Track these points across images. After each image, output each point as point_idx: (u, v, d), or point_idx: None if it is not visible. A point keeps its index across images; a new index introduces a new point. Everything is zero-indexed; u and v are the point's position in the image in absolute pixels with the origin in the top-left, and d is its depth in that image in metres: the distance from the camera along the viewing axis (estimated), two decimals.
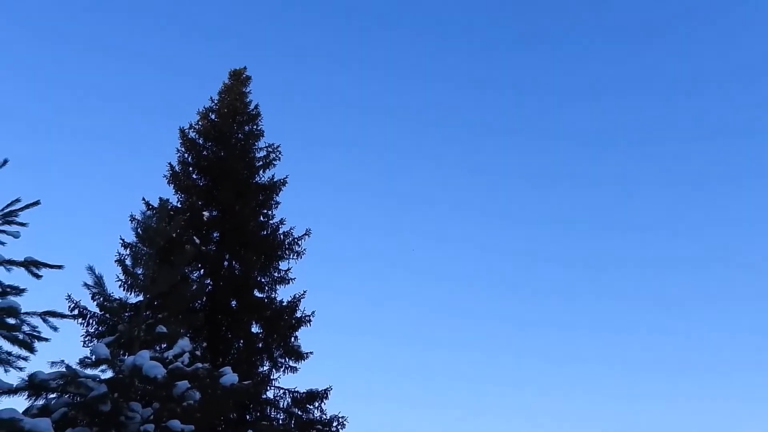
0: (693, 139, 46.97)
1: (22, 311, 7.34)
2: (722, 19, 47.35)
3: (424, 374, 37.95)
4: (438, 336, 39.73)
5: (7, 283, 7.63)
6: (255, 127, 18.32)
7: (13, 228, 7.85)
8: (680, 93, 47.74)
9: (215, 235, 16.74)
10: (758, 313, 39.63)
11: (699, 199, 44.91)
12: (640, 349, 39.29)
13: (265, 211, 17.38)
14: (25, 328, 7.59)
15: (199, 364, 10.09)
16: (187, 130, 17.54)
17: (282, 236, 17.00)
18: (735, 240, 43.22)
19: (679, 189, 44.50)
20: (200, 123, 17.82)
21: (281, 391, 15.69)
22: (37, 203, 7.80)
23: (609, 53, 49.95)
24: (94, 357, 9.11)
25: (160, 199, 15.79)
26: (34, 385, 8.39)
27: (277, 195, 17.49)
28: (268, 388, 15.60)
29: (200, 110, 18.00)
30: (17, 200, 7.66)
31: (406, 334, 39.49)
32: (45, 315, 7.52)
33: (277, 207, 17.49)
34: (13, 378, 8.08)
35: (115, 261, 14.46)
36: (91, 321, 14.48)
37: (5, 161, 7.73)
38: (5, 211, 7.64)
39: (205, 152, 17.46)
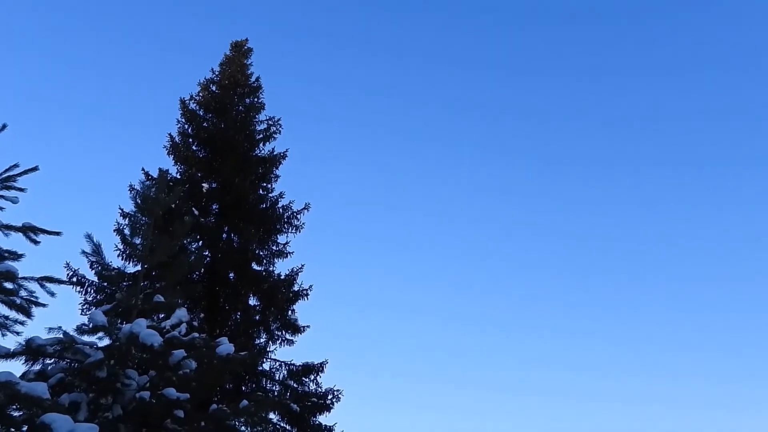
0: (694, 120, 46.68)
1: (20, 276, 7.36)
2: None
3: (422, 349, 38.17)
4: (436, 311, 39.92)
5: (5, 248, 7.64)
6: (256, 99, 18.25)
7: (12, 193, 7.85)
8: (693, 71, 47.14)
9: (214, 207, 16.74)
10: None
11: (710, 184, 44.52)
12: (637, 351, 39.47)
13: (265, 184, 17.37)
14: (23, 293, 7.62)
15: (196, 334, 10.15)
16: (187, 101, 17.46)
17: (281, 210, 17.01)
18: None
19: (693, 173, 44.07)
20: (201, 94, 17.73)
21: (277, 364, 15.81)
22: (35, 169, 7.79)
23: (610, 32, 49.39)
24: (91, 324, 9.14)
25: (160, 169, 15.84)
26: (32, 350, 8.44)
27: (277, 168, 17.48)
28: (265, 360, 15.72)
29: (201, 81, 17.93)
30: (15, 165, 7.64)
31: (404, 310, 39.66)
32: (42, 281, 7.54)
33: (276, 180, 17.50)
34: (10, 342, 8.14)
35: (114, 230, 14.53)
36: (89, 289, 14.56)
37: (4, 126, 7.69)
38: (4, 176, 7.63)
39: (205, 124, 17.40)
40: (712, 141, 46.35)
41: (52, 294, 7.67)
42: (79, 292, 14.63)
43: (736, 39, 47.31)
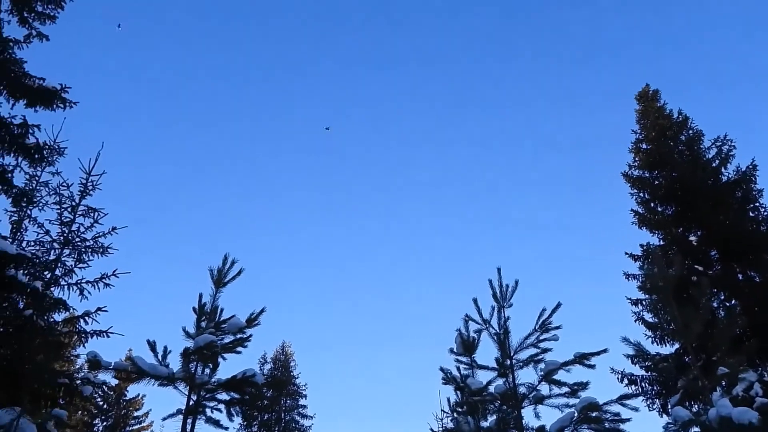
0: None
1: (602, 403, 7.83)
2: None
3: None
4: None
5: (572, 383, 8.28)
6: (689, 131, 17.21)
7: (551, 334, 8.65)
8: None
9: (713, 253, 15.62)
10: None
11: None
12: None
13: (752, 204, 15.68)
14: (607, 415, 8.02)
15: None
16: (629, 172, 17.42)
17: None
18: None
19: None
20: (637, 158, 17.54)
21: None
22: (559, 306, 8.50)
23: None
24: (676, 421, 9.04)
25: (642, 246, 15.74)
26: None
27: (755, 183, 15.71)
28: None
29: (630, 147, 17.82)
30: (547, 309, 8.49)
31: None
32: (621, 400, 7.87)
33: (761, 195, 15.66)
34: None
35: (635, 320, 14.65)
36: (642, 384, 14.63)
37: None
38: (540, 321, 8.53)
39: (656, 182, 16.95)
40: None
41: (635, 409, 7.90)
42: (625, 385, 14.77)
43: None
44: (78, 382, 10.04)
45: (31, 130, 10.09)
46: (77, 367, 16.82)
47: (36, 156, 10.23)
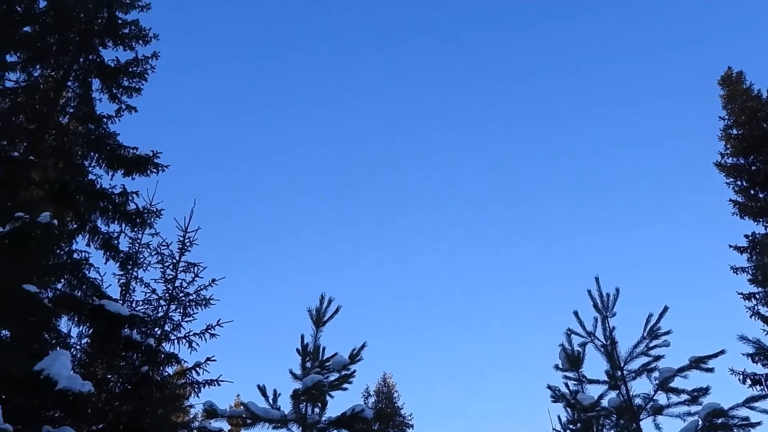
0: None
1: (727, 408, 7.45)
2: None
3: None
4: None
5: (691, 389, 7.90)
6: None
7: (661, 340, 8.31)
8: None
9: None
10: None
11: None
12: None
13: None
14: (734, 420, 7.60)
15: None
16: (722, 161, 16.65)
17: None
18: None
19: None
20: (728, 146, 16.74)
21: None
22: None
23: None
24: None
25: (747, 236, 14.98)
26: None
27: None
28: None
29: (719, 135, 17.05)
30: (653, 315, 8.21)
31: None
32: (748, 403, 7.46)
33: None
34: None
35: (751, 315, 13.87)
36: (766, 382, 13.77)
37: None
38: (648, 328, 8.22)
39: (754, 167, 16.09)
40: None
41: (766, 411, 7.46)
42: (748, 386, 13.92)
43: None
44: (195, 431, 10.48)
45: (130, 197, 10.83)
46: (191, 416, 17.44)
47: (137, 221, 10.93)
